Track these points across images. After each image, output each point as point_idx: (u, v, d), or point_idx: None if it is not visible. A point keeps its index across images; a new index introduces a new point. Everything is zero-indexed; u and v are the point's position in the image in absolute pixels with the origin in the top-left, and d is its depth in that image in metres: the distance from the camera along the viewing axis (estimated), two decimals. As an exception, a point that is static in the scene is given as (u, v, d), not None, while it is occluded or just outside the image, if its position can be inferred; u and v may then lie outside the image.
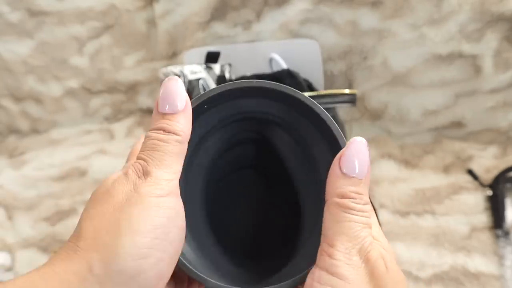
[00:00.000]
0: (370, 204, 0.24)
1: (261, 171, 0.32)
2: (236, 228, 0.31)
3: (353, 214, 0.23)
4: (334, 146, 0.26)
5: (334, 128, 0.26)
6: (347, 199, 0.23)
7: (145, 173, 0.23)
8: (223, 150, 0.31)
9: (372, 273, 0.22)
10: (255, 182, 0.32)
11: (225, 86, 0.26)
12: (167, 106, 0.24)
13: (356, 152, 0.23)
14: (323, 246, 0.23)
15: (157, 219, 0.22)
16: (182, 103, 0.24)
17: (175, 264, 0.24)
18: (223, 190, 0.32)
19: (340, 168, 0.23)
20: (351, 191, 0.23)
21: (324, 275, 0.22)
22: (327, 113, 0.26)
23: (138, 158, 0.24)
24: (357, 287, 0.21)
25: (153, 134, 0.24)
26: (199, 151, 0.29)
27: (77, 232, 0.22)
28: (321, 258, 0.23)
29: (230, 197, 0.32)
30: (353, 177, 0.23)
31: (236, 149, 0.31)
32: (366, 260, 0.22)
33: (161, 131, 0.24)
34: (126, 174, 0.23)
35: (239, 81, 0.26)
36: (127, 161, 0.28)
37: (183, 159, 0.24)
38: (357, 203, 0.23)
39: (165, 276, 0.23)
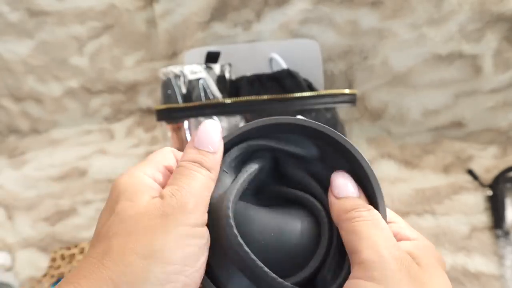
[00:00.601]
0: (373, 208, 0.25)
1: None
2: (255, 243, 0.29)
3: (363, 221, 0.24)
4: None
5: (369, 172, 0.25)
6: (352, 211, 0.24)
7: (182, 201, 0.23)
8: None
9: (405, 270, 0.22)
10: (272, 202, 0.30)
11: (250, 125, 0.26)
12: (204, 144, 0.26)
13: (340, 183, 0.26)
14: (353, 258, 0.23)
15: (189, 248, 0.22)
16: (217, 144, 0.26)
17: None
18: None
19: (335, 197, 0.26)
20: (353, 204, 0.25)
21: (360, 282, 0.22)
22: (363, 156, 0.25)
23: (173, 183, 0.24)
24: (393, 285, 0.22)
25: (190, 165, 0.25)
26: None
27: (103, 249, 0.22)
28: (354, 268, 0.23)
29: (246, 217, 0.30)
30: (349, 196, 0.25)
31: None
32: (396, 258, 0.22)
33: (198, 164, 0.25)
34: (162, 197, 0.23)
35: (263, 119, 0.26)
36: (142, 164, 0.27)
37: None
38: (362, 211, 0.24)
39: None
